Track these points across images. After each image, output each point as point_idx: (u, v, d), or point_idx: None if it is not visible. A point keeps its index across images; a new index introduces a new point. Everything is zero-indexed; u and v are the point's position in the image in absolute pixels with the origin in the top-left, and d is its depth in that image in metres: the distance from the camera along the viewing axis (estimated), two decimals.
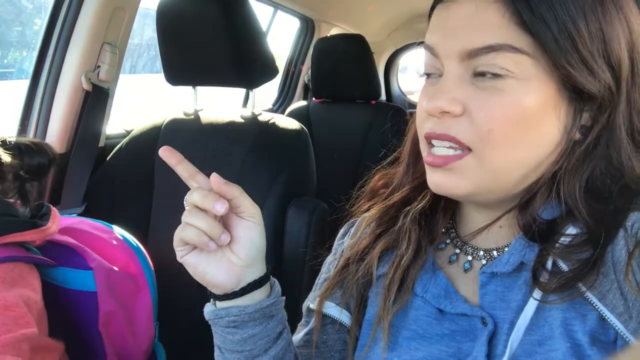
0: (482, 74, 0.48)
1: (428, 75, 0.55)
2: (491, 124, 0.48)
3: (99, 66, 1.32)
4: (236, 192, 0.54)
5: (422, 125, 0.53)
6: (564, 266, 0.48)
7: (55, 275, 0.89)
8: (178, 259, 0.55)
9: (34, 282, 0.80)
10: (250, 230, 0.55)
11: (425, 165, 0.54)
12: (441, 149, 0.51)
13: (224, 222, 0.55)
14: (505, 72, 0.47)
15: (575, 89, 0.48)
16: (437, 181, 0.52)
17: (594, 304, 0.45)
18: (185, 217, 0.53)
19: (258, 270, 0.56)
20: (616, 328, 0.44)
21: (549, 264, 0.48)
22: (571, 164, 0.50)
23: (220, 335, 0.57)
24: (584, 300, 0.46)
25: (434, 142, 0.52)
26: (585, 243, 0.47)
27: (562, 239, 0.49)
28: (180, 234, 0.53)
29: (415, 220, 0.58)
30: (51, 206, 0.91)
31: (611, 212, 0.48)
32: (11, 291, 0.75)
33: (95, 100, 1.33)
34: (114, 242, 0.99)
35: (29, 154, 0.88)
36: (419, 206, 0.59)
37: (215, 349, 0.59)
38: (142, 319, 0.97)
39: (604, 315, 0.45)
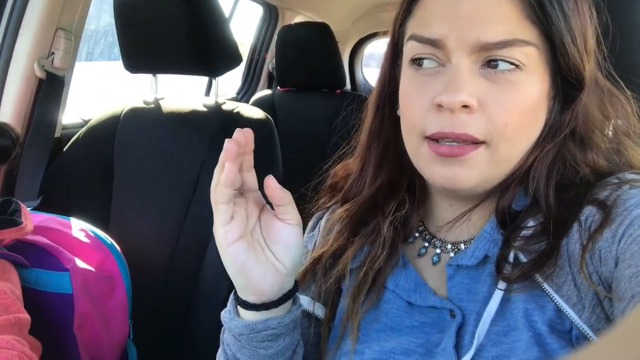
0: (493, 67, 0.48)
1: (418, 62, 0.51)
2: (507, 117, 0.48)
3: (53, 53, 1.26)
4: (288, 199, 0.52)
5: (422, 120, 0.50)
6: (523, 258, 0.49)
7: (27, 276, 0.84)
8: (221, 244, 0.50)
9: (15, 279, 0.77)
10: (296, 237, 0.52)
11: (429, 158, 0.51)
12: (452, 143, 0.49)
13: (269, 227, 0.53)
14: (520, 65, 0.48)
15: (564, 81, 0.51)
16: (448, 174, 0.49)
17: (551, 296, 0.47)
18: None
19: (291, 279, 0.54)
20: (571, 318, 0.46)
21: (511, 257, 0.50)
22: (544, 153, 0.51)
23: (250, 349, 0.53)
24: (542, 292, 0.48)
25: (442, 140, 0.49)
26: (542, 234, 0.49)
27: (522, 232, 0.50)
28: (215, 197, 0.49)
29: (391, 226, 0.58)
30: (20, 202, 0.86)
31: (568, 204, 0.49)
32: None
33: (49, 88, 1.27)
34: (88, 241, 0.95)
35: None
36: (397, 214, 0.58)
37: None
38: (117, 317, 0.95)
39: (560, 306, 0.46)
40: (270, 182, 0.51)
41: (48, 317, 0.86)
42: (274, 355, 0.53)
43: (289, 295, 0.53)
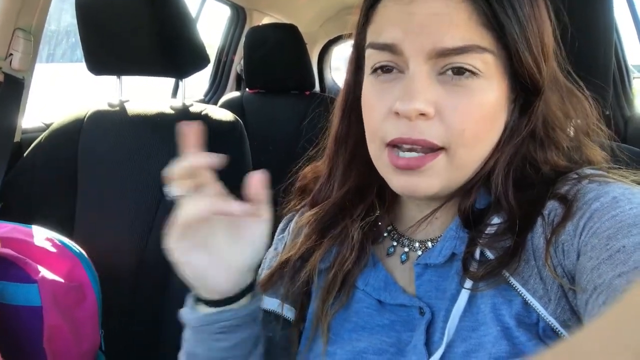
0: (449, 73, 0.48)
1: (379, 70, 0.51)
2: (464, 123, 0.48)
3: (11, 54, 1.22)
4: (266, 196, 0.53)
5: (381, 127, 0.51)
6: (490, 255, 0.50)
7: None
8: (176, 258, 0.51)
9: None
10: (261, 231, 0.53)
11: (388, 168, 0.51)
12: (411, 153, 0.49)
13: (233, 222, 0.53)
14: (476, 72, 0.48)
15: (522, 85, 0.51)
16: (408, 185, 0.50)
17: (518, 290, 0.48)
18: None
19: (251, 274, 0.55)
20: (538, 311, 0.47)
21: (477, 254, 0.50)
22: (504, 155, 0.52)
23: (205, 342, 0.53)
24: (509, 286, 0.48)
25: (401, 146, 0.50)
26: (507, 231, 0.50)
27: (487, 229, 0.51)
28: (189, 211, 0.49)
29: (361, 230, 0.58)
30: None
31: (531, 201, 0.50)
32: None
33: (8, 91, 1.23)
34: (55, 250, 0.93)
35: None
36: (367, 219, 0.58)
37: (187, 357, 0.56)
38: (88, 327, 0.92)
39: (527, 299, 0.47)
40: (259, 177, 0.51)
41: (16, 331, 0.83)
42: (229, 348, 0.53)
43: (248, 290, 0.54)
